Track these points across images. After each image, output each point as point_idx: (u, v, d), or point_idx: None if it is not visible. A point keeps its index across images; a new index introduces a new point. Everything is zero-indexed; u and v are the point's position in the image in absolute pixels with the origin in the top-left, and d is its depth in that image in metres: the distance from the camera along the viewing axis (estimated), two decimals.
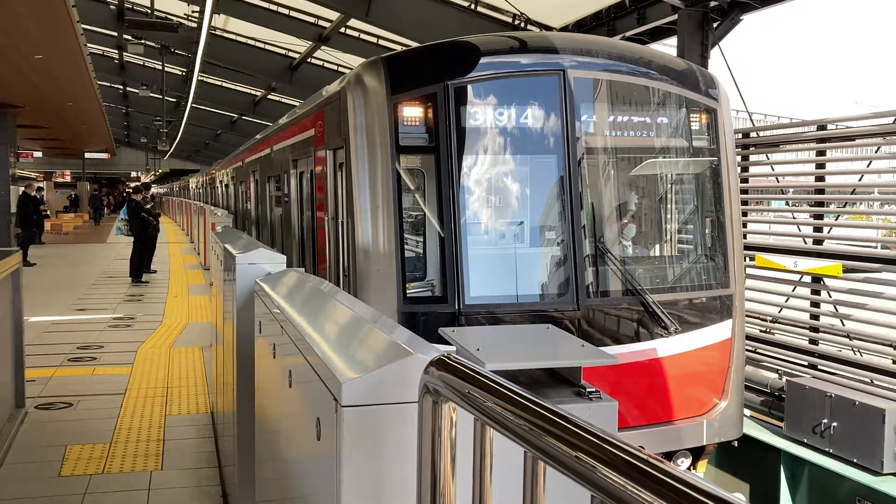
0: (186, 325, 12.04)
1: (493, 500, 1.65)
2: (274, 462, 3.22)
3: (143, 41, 23.49)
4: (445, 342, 2.71)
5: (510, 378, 1.60)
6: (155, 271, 18.53)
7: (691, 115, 6.70)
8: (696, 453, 6.45)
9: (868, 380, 7.44)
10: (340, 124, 6.53)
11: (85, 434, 6.67)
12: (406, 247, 6.11)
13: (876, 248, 11.09)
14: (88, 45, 15.68)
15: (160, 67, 28.87)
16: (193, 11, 21.37)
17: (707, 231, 6.91)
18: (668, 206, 6.99)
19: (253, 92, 34.86)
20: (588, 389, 2.10)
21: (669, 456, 6.14)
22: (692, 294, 6.56)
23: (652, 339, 6.21)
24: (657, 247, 7.10)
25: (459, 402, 1.63)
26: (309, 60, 25.50)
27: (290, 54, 25.81)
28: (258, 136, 15.91)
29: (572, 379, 2.16)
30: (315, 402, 2.26)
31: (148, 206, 18.43)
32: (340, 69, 23.40)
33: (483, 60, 6.17)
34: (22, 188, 22.67)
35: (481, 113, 6.10)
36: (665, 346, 6.22)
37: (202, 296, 14.73)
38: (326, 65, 25.40)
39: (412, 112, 6.03)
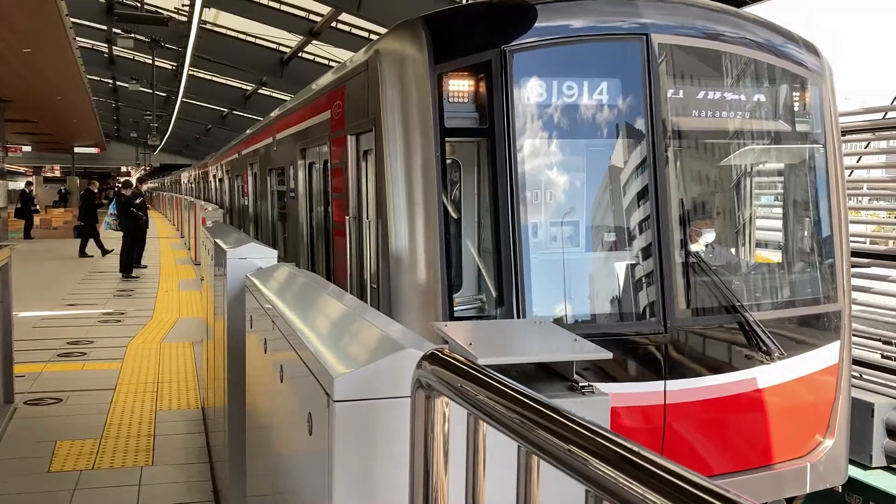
0: (177, 320, 12.00)
1: (486, 495, 1.65)
2: (265, 457, 3.22)
3: (132, 35, 23.37)
4: None
5: (502, 373, 1.60)
6: (145, 266, 18.46)
7: (796, 94, 5.58)
8: (788, 498, 5.51)
9: (857, 374, 7.49)
10: (368, 102, 5.46)
11: (74, 430, 6.64)
12: (452, 254, 5.01)
13: (865, 243, 11.15)
14: (77, 38, 15.60)
15: (150, 61, 28.75)
16: (183, 5, 21.26)
17: (812, 234, 5.79)
18: (769, 204, 5.96)
19: (244, 86, 34.78)
20: (580, 384, 2.10)
21: None
22: (797, 311, 5.45)
23: (751, 366, 5.11)
24: (756, 254, 5.96)
25: (452, 396, 1.63)
26: (300, 55, 25.44)
27: (281, 49, 25.74)
28: (257, 125, 14.41)
29: (565, 373, 2.16)
30: (307, 397, 2.26)
31: (137, 202, 18.35)
32: (331, 63, 23.37)
33: (547, 21, 5.00)
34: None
35: (545, 87, 4.95)
36: (766, 375, 5.13)
37: (193, 291, 14.68)
38: (317, 59, 25.34)
39: (460, 85, 4.89)
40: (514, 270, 4.78)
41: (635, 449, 1.15)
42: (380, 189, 5.19)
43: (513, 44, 4.88)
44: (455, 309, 4.91)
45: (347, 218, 6.13)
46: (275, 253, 4.54)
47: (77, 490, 5.39)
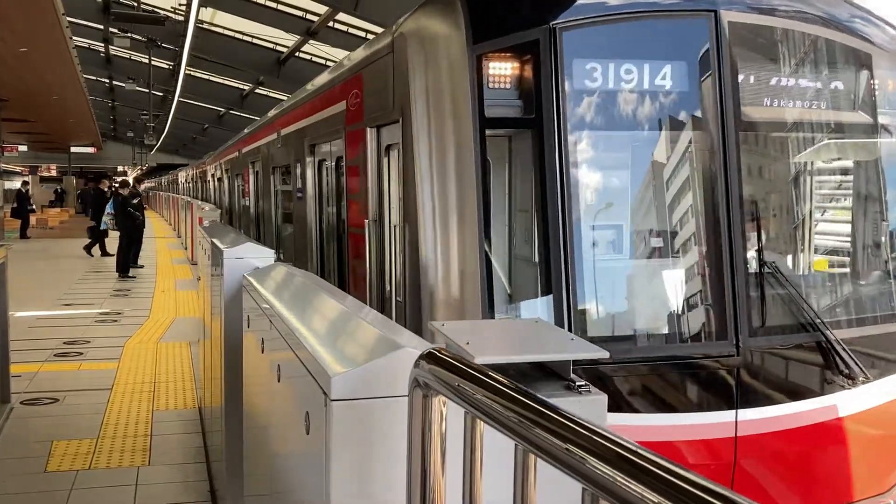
0: (174, 320, 11.99)
1: (483, 494, 1.65)
2: (262, 457, 3.22)
3: (129, 34, 23.36)
4: None
5: (499, 372, 1.60)
6: (142, 266, 18.44)
7: (883, 81, 4.96)
8: None
9: None
10: (393, 90, 4.82)
11: (71, 429, 6.63)
12: (494, 266, 4.33)
13: None
14: (74, 37, 15.59)
15: (147, 61, 28.73)
16: (180, 4, 21.26)
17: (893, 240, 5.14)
18: (846, 204, 5.21)
19: (240, 86, 34.77)
20: (577, 383, 2.10)
21: None
22: (882, 328, 4.78)
23: (831, 392, 4.49)
24: (836, 263, 5.28)
25: (450, 395, 1.63)
26: (297, 55, 25.44)
27: (278, 48, 25.75)
28: (260, 121, 13.48)
29: (562, 373, 2.16)
30: (304, 397, 2.26)
31: (134, 202, 18.35)
32: (328, 63, 23.38)
33: None
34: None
35: (601, 70, 4.31)
36: (848, 401, 4.51)
37: (189, 290, 14.67)
38: (314, 59, 25.34)
39: (502, 69, 4.23)
40: (564, 284, 4.14)
41: (633, 448, 1.15)
42: (407, 189, 4.53)
43: (564, 20, 4.25)
44: None
45: (367, 221, 5.44)
46: (272, 252, 4.54)
47: (74, 490, 5.38)
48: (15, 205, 29.55)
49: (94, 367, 8.94)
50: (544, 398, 1.41)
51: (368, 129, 5.44)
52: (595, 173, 4.43)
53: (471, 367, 1.62)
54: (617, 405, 4.03)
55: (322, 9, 20.17)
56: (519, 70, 4.25)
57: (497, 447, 1.57)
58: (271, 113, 11.60)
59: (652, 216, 4.56)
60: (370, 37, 19.85)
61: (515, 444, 1.44)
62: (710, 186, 4.44)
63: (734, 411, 4.26)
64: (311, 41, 22.91)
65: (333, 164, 6.83)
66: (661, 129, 4.51)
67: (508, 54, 4.23)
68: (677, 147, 4.55)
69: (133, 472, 5.70)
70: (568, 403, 1.83)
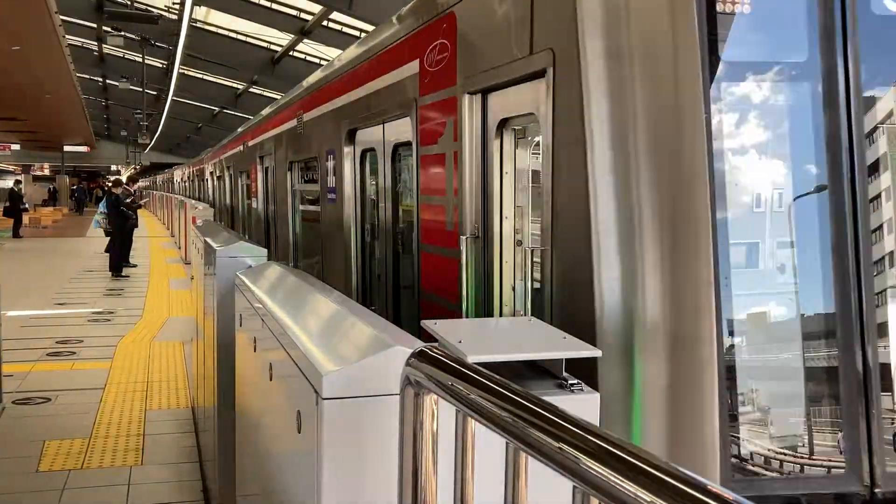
0: (167, 319, 11.96)
1: (474, 493, 1.64)
2: (255, 456, 3.20)
3: (122, 33, 23.31)
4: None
5: (492, 371, 1.59)
6: (135, 265, 18.39)
7: None
8: None
9: None
10: (532, 24, 2.97)
11: (63, 429, 6.60)
12: (735, 321, 2.56)
13: None
14: (67, 36, 15.54)
15: (140, 60, 28.66)
16: (174, 3, 21.21)
17: None
18: None
19: (234, 85, 34.72)
20: (570, 381, 2.09)
21: None
22: None
23: None
24: None
25: (442, 393, 1.62)
26: (291, 54, 25.42)
27: (273, 47, 25.72)
28: (272, 106, 10.99)
29: (554, 371, 2.16)
30: (296, 395, 2.25)
31: (128, 200, 18.30)
32: (322, 62, 23.36)
33: None
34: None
35: None
36: None
37: (183, 290, 14.63)
38: (309, 58, 25.33)
39: None
40: (862, 368, 2.52)
41: (627, 447, 1.14)
42: (563, 189, 2.75)
43: None
44: (742, 445, 2.49)
45: (463, 239, 3.61)
46: (264, 251, 4.52)
47: (66, 490, 5.36)
48: (7, 204, 29.44)
49: (86, 366, 8.90)
50: (538, 397, 1.40)
51: (467, 97, 3.64)
52: None
53: (463, 366, 1.61)
54: None
55: (316, 8, 20.16)
56: None
57: (489, 445, 1.57)
58: (287, 96, 9.52)
59: None
60: (364, 36, 19.65)
61: (507, 443, 1.43)
62: None
63: None
64: (305, 40, 22.90)
65: (388, 153, 5.11)
66: None
67: None
68: None
69: (126, 472, 5.68)
70: (560, 402, 1.83)
